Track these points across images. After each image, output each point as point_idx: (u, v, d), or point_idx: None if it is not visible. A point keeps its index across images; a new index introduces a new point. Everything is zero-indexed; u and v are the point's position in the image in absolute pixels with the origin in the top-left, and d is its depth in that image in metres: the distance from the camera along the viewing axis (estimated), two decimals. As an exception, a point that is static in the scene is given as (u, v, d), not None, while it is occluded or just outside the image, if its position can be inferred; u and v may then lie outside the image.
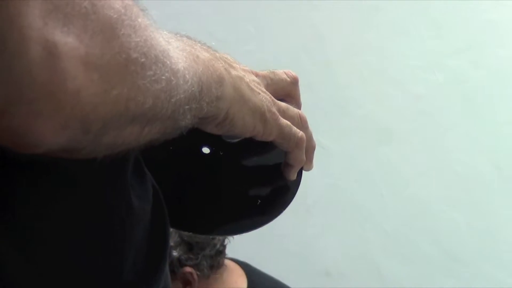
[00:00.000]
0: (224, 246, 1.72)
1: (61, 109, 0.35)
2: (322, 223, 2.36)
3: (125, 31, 0.37)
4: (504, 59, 2.24)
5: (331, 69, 2.36)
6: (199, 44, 0.52)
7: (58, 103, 0.35)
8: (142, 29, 0.39)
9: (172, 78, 0.42)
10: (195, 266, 1.67)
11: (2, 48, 0.33)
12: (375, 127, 2.33)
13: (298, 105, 0.63)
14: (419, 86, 2.30)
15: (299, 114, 0.60)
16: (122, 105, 0.38)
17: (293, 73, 0.63)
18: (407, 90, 2.31)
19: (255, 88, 0.56)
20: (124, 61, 0.37)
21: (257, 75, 0.59)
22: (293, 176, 0.63)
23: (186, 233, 1.49)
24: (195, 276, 1.68)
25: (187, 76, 0.44)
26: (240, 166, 0.65)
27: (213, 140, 0.61)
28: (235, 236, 1.45)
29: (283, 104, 0.59)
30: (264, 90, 0.58)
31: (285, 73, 0.62)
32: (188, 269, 1.67)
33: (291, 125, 0.59)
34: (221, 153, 0.63)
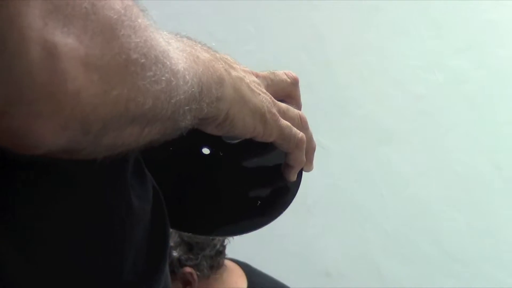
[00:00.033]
0: (224, 247, 1.72)
1: (61, 110, 0.35)
2: (322, 223, 2.36)
3: (125, 31, 0.37)
4: (504, 59, 2.24)
5: (331, 69, 2.36)
6: (200, 45, 0.51)
7: (58, 104, 0.35)
8: (142, 30, 0.39)
9: (172, 78, 0.42)
10: (195, 267, 1.67)
11: (2, 48, 0.33)
12: (375, 127, 2.33)
13: (298, 105, 0.63)
14: (419, 86, 2.30)
15: (299, 115, 0.60)
16: (122, 106, 0.38)
17: (294, 74, 0.63)
18: (407, 90, 2.31)
19: (255, 89, 0.56)
20: (124, 61, 0.37)
21: (257, 76, 0.59)
22: (293, 177, 0.63)
23: (186, 233, 1.49)
24: (195, 277, 1.68)
25: (187, 77, 0.44)
26: (240, 167, 0.65)
27: (213, 141, 0.61)
28: (235, 237, 1.45)
29: (283, 105, 0.59)
30: (264, 91, 0.57)
31: (285, 74, 0.62)
32: (188, 269, 1.67)
33: (291, 126, 0.58)
34: (221, 154, 0.63)
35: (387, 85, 2.32)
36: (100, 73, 0.36)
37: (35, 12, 0.33)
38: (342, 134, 2.35)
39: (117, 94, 0.37)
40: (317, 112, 2.24)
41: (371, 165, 2.34)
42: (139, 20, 0.39)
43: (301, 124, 0.60)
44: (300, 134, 0.59)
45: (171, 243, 1.63)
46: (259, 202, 0.64)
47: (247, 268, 1.80)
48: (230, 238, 1.70)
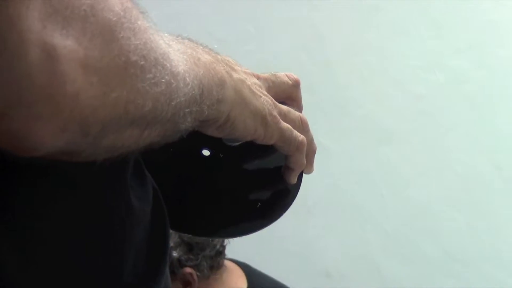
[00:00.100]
0: (224, 247, 1.72)
1: (60, 112, 0.35)
2: (322, 224, 2.36)
3: (125, 33, 0.37)
4: (504, 59, 2.24)
5: (331, 69, 2.36)
6: (201, 47, 0.51)
7: (57, 106, 0.35)
8: (142, 32, 0.39)
9: (172, 81, 0.41)
10: (195, 267, 1.67)
11: (1, 50, 0.33)
12: (375, 127, 2.33)
13: (299, 107, 0.63)
14: (419, 86, 2.30)
15: (300, 117, 0.60)
16: (122, 108, 0.38)
17: (295, 75, 0.62)
18: (408, 90, 2.31)
19: (256, 91, 0.56)
20: (124, 63, 0.37)
21: (258, 77, 0.59)
22: (293, 180, 0.63)
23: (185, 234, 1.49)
24: (195, 277, 1.68)
25: (187, 79, 0.44)
26: (240, 169, 0.65)
27: (213, 142, 0.61)
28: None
29: (284, 107, 0.59)
30: (266, 93, 0.57)
31: (286, 75, 0.62)
32: (188, 269, 1.67)
33: (292, 129, 0.58)
34: (221, 156, 0.63)
35: (387, 85, 2.32)
36: (99, 75, 0.36)
37: (34, 14, 0.33)
38: (342, 134, 2.35)
39: (117, 96, 0.37)
40: (317, 112, 2.24)
41: (371, 165, 2.34)
42: (139, 22, 0.39)
43: (302, 126, 0.60)
44: (301, 137, 0.59)
45: (171, 244, 1.63)
46: (259, 204, 0.64)
47: (247, 269, 1.80)
48: (230, 239, 1.70)
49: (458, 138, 2.27)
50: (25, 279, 0.45)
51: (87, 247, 0.49)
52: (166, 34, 0.44)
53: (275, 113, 0.57)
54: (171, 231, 0.60)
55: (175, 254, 1.66)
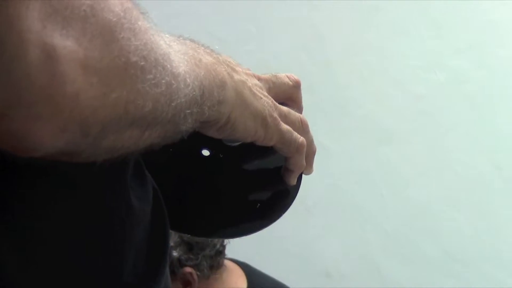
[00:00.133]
0: (224, 247, 1.72)
1: (60, 112, 0.35)
2: (322, 224, 2.36)
3: (125, 34, 0.37)
4: (504, 59, 2.24)
5: (331, 69, 2.36)
6: (203, 48, 0.51)
7: (57, 106, 0.35)
8: (142, 32, 0.39)
9: (173, 81, 0.41)
10: (195, 267, 1.67)
11: (1, 51, 0.33)
12: (375, 127, 2.33)
13: (299, 109, 0.63)
14: (419, 86, 2.30)
15: (301, 119, 0.60)
16: (122, 108, 0.38)
17: (295, 76, 0.62)
18: (408, 90, 2.31)
19: (257, 92, 0.56)
20: (124, 64, 0.37)
21: (259, 78, 0.59)
22: (293, 181, 0.62)
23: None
24: (195, 277, 1.68)
25: (188, 80, 0.44)
26: (240, 169, 0.65)
27: (213, 143, 0.61)
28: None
29: (284, 108, 0.59)
30: (266, 94, 0.57)
31: (287, 76, 0.62)
32: (188, 269, 1.67)
33: (292, 131, 0.58)
34: (221, 156, 0.63)
35: (387, 85, 2.32)
36: (99, 76, 0.36)
37: (34, 14, 0.33)
38: (342, 134, 2.35)
39: (117, 96, 0.37)
40: (317, 112, 2.24)
41: (371, 165, 2.34)
42: (139, 23, 0.39)
43: (302, 127, 0.60)
44: (301, 138, 0.59)
45: (171, 243, 1.63)
46: (259, 204, 0.64)
47: (247, 268, 1.80)
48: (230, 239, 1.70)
49: (458, 138, 2.27)
50: (25, 279, 0.45)
51: (87, 247, 0.49)
52: (167, 35, 0.44)
53: (275, 114, 0.57)
54: (171, 231, 0.60)
55: (175, 253, 1.66)
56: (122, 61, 0.37)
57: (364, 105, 2.34)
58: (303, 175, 0.64)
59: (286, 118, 0.58)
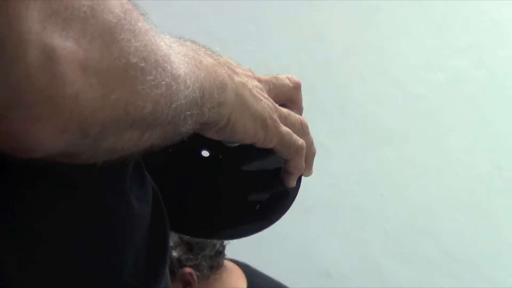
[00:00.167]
0: (224, 247, 1.72)
1: (59, 113, 0.35)
2: (322, 224, 2.36)
3: (125, 35, 0.37)
4: (504, 59, 2.24)
5: (331, 69, 2.36)
6: (203, 49, 0.51)
7: (57, 107, 0.35)
8: (142, 34, 0.39)
9: (173, 83, 0.41)
10: (195, 267, 1.67)
11: (0, 52, 0.33)
12: (375, 127, 2.33)
13: (299, 110, 0.63)
14: (419, 86, 2.30)
15: (300, 121, 0.60)
16: (121, 110, 0.38)
17: (296, 78, 0.62)
18: (408, 90, 2.31)
19: (257, 94, 0.56)
20: (124, 65, 0.37)
21: (259, 80, 0.59)
22: (292, 183, 0.62)
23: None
24: (195, 277, 1.67)
25: (188, 81, 0.44)
26: (239, 170, 0.65)
27: (212, 143, 0.61)
28: (234, 239, 1.45)
29: (284, 110, 0.59)
30: (266, 96, 0.57)
31: (287, 78, 0.62)
32: (188, 269, 1.67)
33: (292, 133, 0.58)
34: (220, 157, 0.63)
35: (387, 85, 2.32)
36: (99, 77, 0.36)
37: (33, 15, 0.33)
38: (342, 134, 2.35)
39: (116, 98, 0.37)
40: (317, 112, 2.24)
41: (371, 165, 2.33)
42: (139, 24, 0.39)
43: (302, 129, 0.60)
44: (300, 141, 0.59)
45: (171, 244, 1.63)
46: (258, 205, 0.64)
47: (246, 269, 1.80)
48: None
49: (458, 138, 2.27)
50: (25, 279, 0.45)
51: (87, 247, 0.49)
52: (167, 36, 0.44)
53: (275, 116, 0.57)
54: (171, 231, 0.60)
55: (175, 254, 1.66)
56: (122, 63, 0.37)
57: (364, 105, 2.34)
58: (302, 177, 0.64)
59: (286, 120, 0.58)
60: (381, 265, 2.31)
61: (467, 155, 2.26)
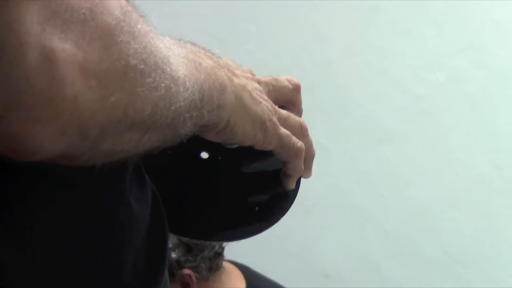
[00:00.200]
0: (223, 248, 1.72)
1: (59, 115, 0.35)
2: (322, 224, 2.36)
3: (124, 37, 0.37)
4: (504, 59, 2.24)
5: (331, 69, 2.36)
6: (203, 51, 0.51)
7: (56, 109, 0.35)
8: (142, 36, 0.39)
9: (172, 85, 0.41)
10: (194, 268, 1.67)
11: (0, 54, 0.33)
12: (375, 127, 2.33)
13: (299, 112, 0.63)
14: (419, 86, 2.30)
15: (300, 123, 0.60)
16: (121, 112, 0.38)
17: (296, 80, 0.62)
18: (408, 90, 2.31)
19: (257, 96, 0.56)
20: (123, 67, 0.37)
21: (259, 82, 0.59)
22: (291, 186, 0.62)
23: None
24: (194, 278, 1.67)
25: (187, 83, 0.44)
26: (238, 172, 0.65)
27: (212, 146, 0.61)
28: (233, 240, 1.45)
29: (284, 112, 0.59)
30: (266, 98, 0.57)
31: (287, 80, 0.62)
32: (186, 271, 1.67)
33: (291, 135, 0.58)
34: (219, 159, 0.63)
35: (387, 85, 2.32)
36: (98, 79, 0.36)
37: (33, 17, 0.33)
38: (342, 134, 2.35)
39: (116, 100, 0.37)
40: (317, 113, 2.24)
41: (371, 165, 2.33)
42: (139, 26, 0.39)
43: (301, 131, 0.60)
44: (299, 143, 0.59)
45: (170, 245, 1.62)
46: (257, 207, 0.64)
47: (245, 270, 1.80)
48: (229, 240, 1.70)
49: (458, 138, 2.27)
50: (25, 279, 0.45)
51: (87, 248, 0.49)
52: (167, 38, 0.44)
53: (274, 119, 0.57)
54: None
55: (173, 255, 1.65)
56: (121, 64, 0.37)
57: (364, 105, 2.34)
58: (301, 178, 0.64)
59: (285, 122, 0.58)
60: (381, 265, 2.31)
61: (467, 155, 2.26)
